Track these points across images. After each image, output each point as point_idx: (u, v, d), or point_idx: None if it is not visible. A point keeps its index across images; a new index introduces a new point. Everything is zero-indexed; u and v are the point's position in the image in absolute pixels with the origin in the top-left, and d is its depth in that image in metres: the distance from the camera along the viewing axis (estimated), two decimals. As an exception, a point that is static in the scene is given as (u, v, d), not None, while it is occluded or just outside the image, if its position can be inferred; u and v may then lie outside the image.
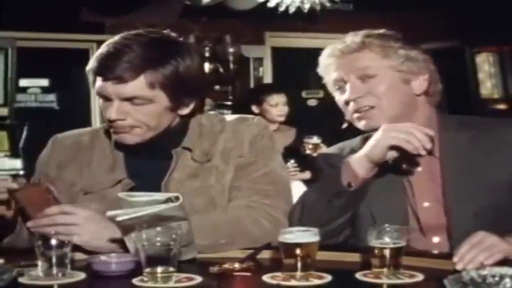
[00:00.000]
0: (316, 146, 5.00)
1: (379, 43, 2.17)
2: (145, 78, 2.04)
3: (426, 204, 2.15)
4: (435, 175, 2.15)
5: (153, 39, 2.11)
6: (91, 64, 2.10)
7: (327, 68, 2.23)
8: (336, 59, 2.20)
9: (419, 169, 2.17)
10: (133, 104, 2.06)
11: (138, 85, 2.04)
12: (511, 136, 2.14)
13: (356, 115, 2.18)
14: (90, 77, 2.11)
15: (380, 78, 2.15)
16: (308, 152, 5.02)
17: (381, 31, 2.24)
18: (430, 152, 2.13)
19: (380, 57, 2.16)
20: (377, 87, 2.15)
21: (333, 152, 2.36)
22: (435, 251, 2.05)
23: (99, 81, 2.08)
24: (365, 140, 2.19)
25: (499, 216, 2.02)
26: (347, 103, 2.18)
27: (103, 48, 2.09)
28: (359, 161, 2.07)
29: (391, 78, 2.16)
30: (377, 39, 2.18)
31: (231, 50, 7.11)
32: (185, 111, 2.16)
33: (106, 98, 2.08)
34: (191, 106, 2.16)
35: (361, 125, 2.18)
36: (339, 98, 2.22)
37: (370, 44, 2.17)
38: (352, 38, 2.20)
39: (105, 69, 2.05)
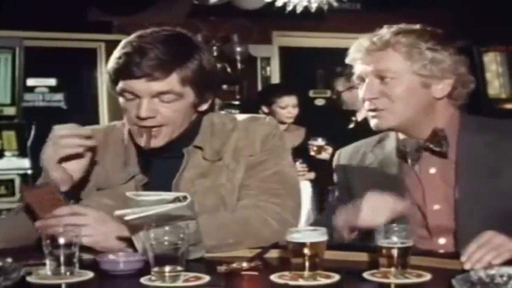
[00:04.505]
0: (320, 148, 4.97)
1: (406, 42, 2.12)
2: (177, 75, 2.05)
3: (436, 206, 2.14)
4: (448, 178, 2.13)
5: (171, 35, 2.11)
6: (115, 63, 2.07)
7: (353, 62, 2.22)
8: (361, 54, 2.18)
9: (433, 171, 2.16)
10: (162, 101, 2.06)
11: (170, 81, 2.04)
12: None
13: (370, 113, 2.18)
14: (111, 77, 2.09)
15: (398, 81, 2.12)
16: (312, 153, 5.00)
17: (416, 27, 2.19)
18: (444, 155, 2.12)
19: (402, 58, 2.12)
20: (393, 89, 2.12)
21: (350, 151, 2.35)
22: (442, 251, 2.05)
23: (126, 79, 2.06)
24: (380, 139, 2.20)
25: (508, 223, 1.97)
26: (363, 100, 2.18)
27: (124, 48, 2.07)
28: (342, 229, 2.12)
29: (410, 81, 2.12)
30: (405, 37, 2.13)
31: (238, 49, 7.10)
32: (204, 107, 2.17)
33: (133, 96, 2.07)
34: (209, 101, 2.18)
35: (372, 123, 2.17)
36: (359, 92, 2.21)
37: (396, 43, 2.13)
38: (381, 35, 2.16)
39: (135, 66, 2.03)
